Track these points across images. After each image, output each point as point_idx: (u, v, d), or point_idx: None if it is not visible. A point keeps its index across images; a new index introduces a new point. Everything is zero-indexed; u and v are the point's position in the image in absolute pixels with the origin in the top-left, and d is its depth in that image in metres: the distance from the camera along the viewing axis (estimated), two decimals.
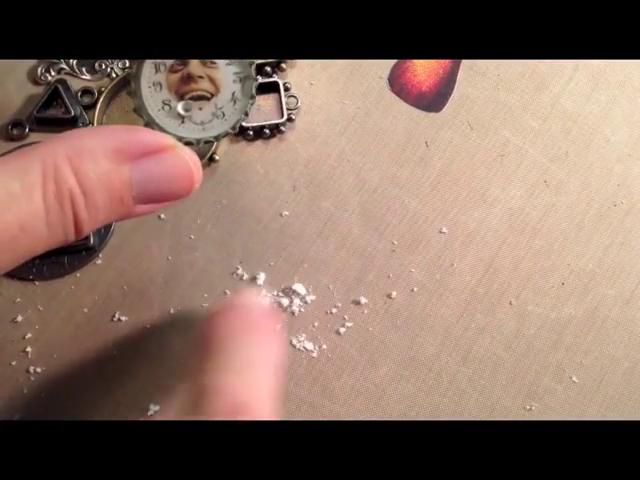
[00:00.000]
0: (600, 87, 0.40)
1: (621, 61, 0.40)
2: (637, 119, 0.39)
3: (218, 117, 0.24)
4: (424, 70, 0.40)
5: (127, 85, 0.23)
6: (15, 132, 0.37)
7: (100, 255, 0.36)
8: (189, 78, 0.23)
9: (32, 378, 0.34)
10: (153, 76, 0.23)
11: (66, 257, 0.36)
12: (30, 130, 0.37)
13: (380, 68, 0.40)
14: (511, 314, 0.36)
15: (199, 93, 0.23)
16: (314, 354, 0.35)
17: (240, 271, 0.36)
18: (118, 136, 0.21)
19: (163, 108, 0.23)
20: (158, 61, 0.23)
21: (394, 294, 0.36)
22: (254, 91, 0.23)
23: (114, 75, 0.38)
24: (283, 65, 0.39)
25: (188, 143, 0.22)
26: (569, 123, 0.39)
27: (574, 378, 0.36)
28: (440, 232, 0.37)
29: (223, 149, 0.38)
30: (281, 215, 0.37)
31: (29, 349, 0.35)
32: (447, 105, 0.39)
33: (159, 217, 0.37)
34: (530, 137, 0.39)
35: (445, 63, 0.40)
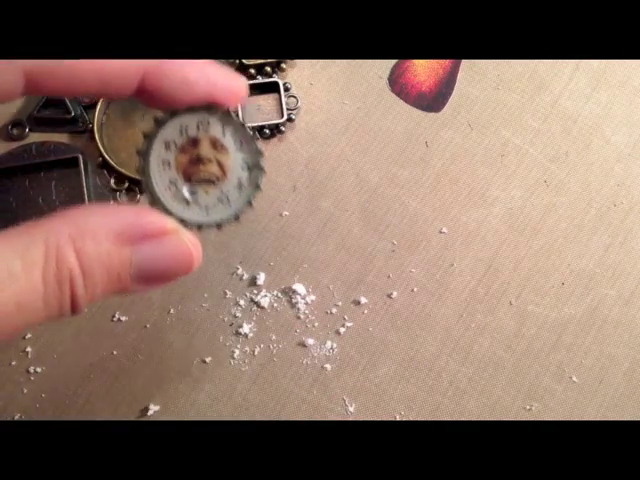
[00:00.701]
0: (600, 87, 0.40)
1: (621, 61, 0.40)
2: (637, 119, 0.39)
3: (223, 202, 0.24)
4: (424, 70, 0.40)
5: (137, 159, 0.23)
6: (15, 132, 0.37)
7: None
8: (198, 160, 0.23)
9: (32, 378, 0.34)
10: (163, 153, 0.23)
11: None
12: (30, 130, 0.37)
13: (380, 68, 0.40)
14: (511, 314, 0.36)
15: (206, 176, 0.23)
16: (314, 354, 0.35)
17: (240, 271, 0.36)
18: (122, 218, 0.21)
19: (169, 188, 0.23)
20: (169, 139, 0.23)
21: (394, 294, 0.36)
22: (260, 182, 0.24)
23: None
24: (283, 65, 0.39)
25: (191, 226, 0.23)
26: (569, 123, 0.39)
27: (574, 378, 0.36)
28: (440, 232, 0.37)
29: None
30: (281, 215, 0.37)
31: (29, 349, 0.35)
32: (447, 105, 0.39)
33: None
34: (530, 137, 0.39)
35: (445, 63, 0.40)
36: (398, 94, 0.40)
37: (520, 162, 0.39)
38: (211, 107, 0.23)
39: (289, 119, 0.38)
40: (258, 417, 0.34)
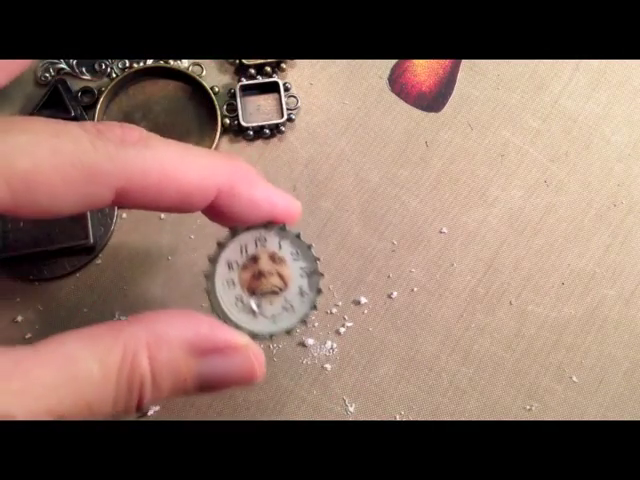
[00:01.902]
0: (600, 87, 0.40)
1: (621, 61, 0.40)
2: (637, 119, 0.39)
3: (287, 310, 0.25)
4: (424, 70, 0.40)
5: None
6: None
7: (100, 255, 0.36)
8: (260, 274, 0.25)
9: None
10: (226, 274, 0.25)
11: (66, 257, 0.36)
12: None
13: (380, 68, 0.40)
14: (511, 314, 0.36)
15: (269, 289, 0.25)
16: (314, 354, 0.35)
17: None
18: (198, 330, 0.22)
19: (236, 304, 0.25)
20: (231, 260, 0.25)
21: (394, 294, 0.36)
22: (320, 285, 0.26)
23: (114, 75, 0.38)
24: (283, 65, 0.39)
25: (262, 337, 0.25)
26: (569, 123, 0.39)
27: (574, 378, 0.36)
28: (440, 232, 0.37)
29: (223, 149, 0.38)
30: None
31: None
32: (447, 105, 0.39)
33: (159, 217, 0.37)
34: (530, 137, 0.39)
35: (445, 63, 0.40)
36: (398, 94, 0.40)
37: (520, 162, 0.39)
38: (267, 224, 0.25)
39: (289, 119, 0.38)
40: (258, 417, 0.34)
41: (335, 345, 0.35)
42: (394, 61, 0.40)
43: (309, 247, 0.26)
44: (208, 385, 0.23)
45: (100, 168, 0.21)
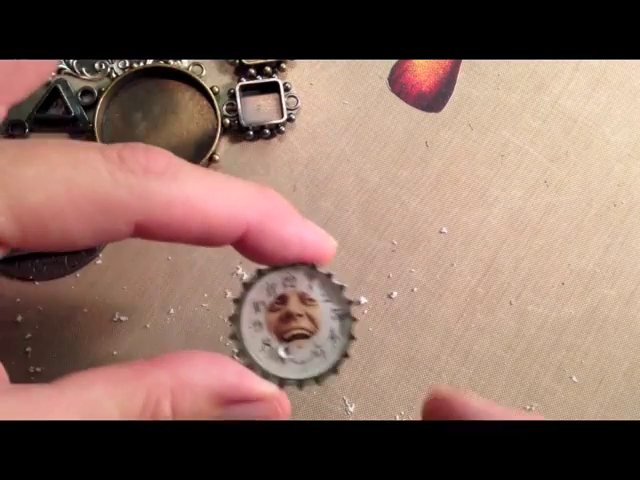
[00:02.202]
0: (600, 87, 0.40)
1: (621, 61, 0.40)
2: (637, 119, 0.39)
3: (318, 355, 0.24)
4: (424, 70, 0.40)
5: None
6: (15, 132, 0.37)
7: (100, 255, 0.36)
8: (288, 317, 0.24)
9: (32, 378, 0.34)
10: (253, 316, 0.23)
11: (66, 257, 0.36)
12: (30, 130, 0.37)
13: (380, 68, 0.40)
14: (511, 314, 0.36)
15: (299, 332, 0.24)
16: None
17: (240, 271, 0.36)
18: (225, 378, 0.21)
19: (263, 349, 0.23)
20: (258, 300, 0.24)
21: (394, 294, 0.36)
22: (354, 331, 0.24)
23: (114, 75, 0.38)
24: (283, 65, 0.39)
25: (290, 384, 0.23)
26: (569, 123, 0.39)
27: (574, 378, 0.36)
28: (440, 232, 0.37)
29: (223, 149, 0.38)
30: None
31: (29, 349, 0.35)
32: (447, 105, 0.39)
33: None
34: (530, 137, 0.39)
35: (445, 63, 0.40)
36: (398, 94, 0.40)
37: (520, 162, 0.39)
38: (296, 265, 0.23)
39: (289, 119, 0.38)
40: None
41: None
42: (394, 61, 0.40)
43: (341, 288, 0.24)
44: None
45: (118, 202, 0.19)
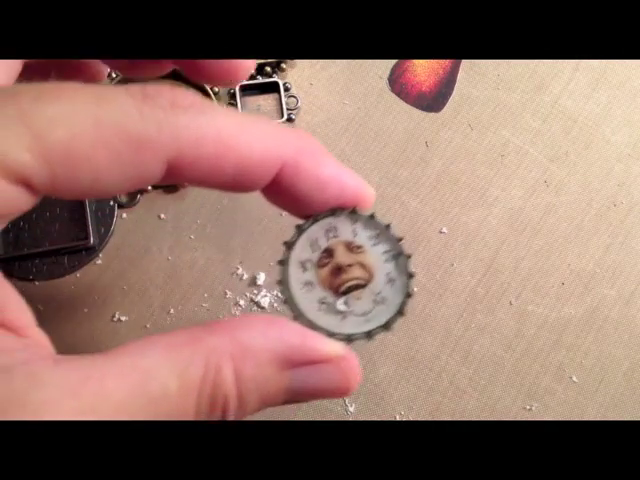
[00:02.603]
0: (600, 87, 0.40)
1: (621, 61, 0.40)
2: (637, 119, 0.39)
3: (379, 303, 0.22)
4: (424, 70, 0.40)
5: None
6: None
7: (100, 255, 0.36)
8: (339, 269, 0.22)
9: None
10: (302, 276, 0.22)
11: (66, 257, 0.36)
12: None
13: (380, 68, 0.40)
14: (511, 314, 0.36)
15: (353, 283, 0.22)
16: None
17: (240, 271, 0.36)
18: (289, 341, 0.20)
19: (320, 308, 0.22)
20: (303, 259, 0.22)
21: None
22: (411, 268, 0.22)
23: (114, 75, 0.38)
24: (283, 65, 0.39)
25: (358, 338, 0.22)
26: (569, 123, 0.39)
27: (574, 378, 0.36)
28: (440, 232, 0.37)
29: None
30: (281, 215, 0.37)
31: None
32: (447, 105, 0.39)
33: (159, 217, 0.37)
34: (530, 137, 0.39)
35: (445, 63, 0.40)
36: (398, 94, 0.40)
37: (520, 162, 0.39)
38: (334, 211, 0.22)
39: (289, 119, 0.38)
40: (258, 417, 0.34)
41: None
42: (394, 61, 0.40)
43: (387, 227, 0.22)
44: (296, 399, 0.21)
45: (148, 138, 0.18)
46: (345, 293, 0.22)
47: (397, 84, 0.40)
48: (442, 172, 0.38)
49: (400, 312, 0.22)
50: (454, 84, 0.40)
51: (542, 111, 0.39)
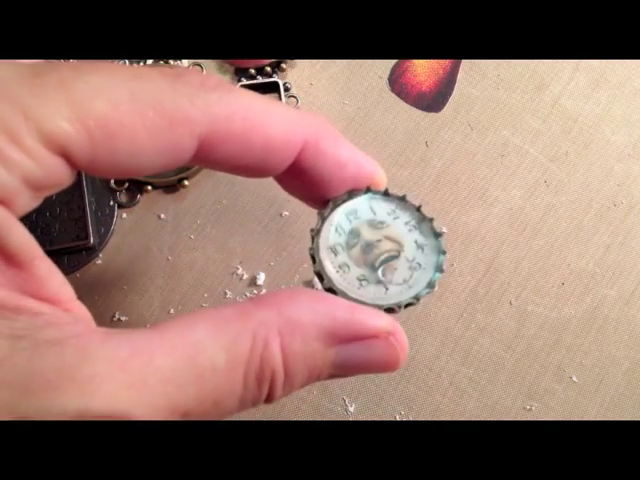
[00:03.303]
0: (600, 87, 0.40)
1: (621, 61, 0.40)
2: (637, 119, 0.39)
3: (416, 269, 0.23)
4: (424, 70, 0.40)
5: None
6: None
7: (100, 255, 0.36)
8: (369, 246, 0.23)
9: None
10: (335, 260, 0.23)
11: (66, 257, 0.36)
12: None
13: (380, 68, 0.40)
14: (511, 314, 0.36)
15: (386, 255, 0.23)
16: None
17: (240, 271, 0.36)
18: (336, 316, 0.20)
19: (362, 285, 0.22)
20: (332, 244, 0.23)
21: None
22: (436, 229, 0.23)
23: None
24: (283, 65, 0.39)
25: (408, 304, 0.22)
26: (569, 123, 0.39)
27: (574, 378, 0.36)
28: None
29: None
30: (281, 215, 0.37)
31: None
32: (447, 105, 0.39)
33: (159, 217, 0.37)
34: (530, 137, 0.39)
35: (445, 63, 0.40)
36: (398, 94, 0.40)
37: (520, 162, 0.39)
38: (350, 193, 0.23)
39: None
40: (258, 417, 0.34)
41: None
42: (394, 61, 0.40)
43: (403, 198, 0.24)
44: (343, 373, 0.21)
45: (183, 112, 0.19)
46: (380, 266, 0.23)
47: (397, 84, 0.40)
48: (442, 172, 0.38)
49: (439, 269, 0.23)
50: (454, 84, 0.40)
51: (542, 111, 0.39)
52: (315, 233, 0.23)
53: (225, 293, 0.36)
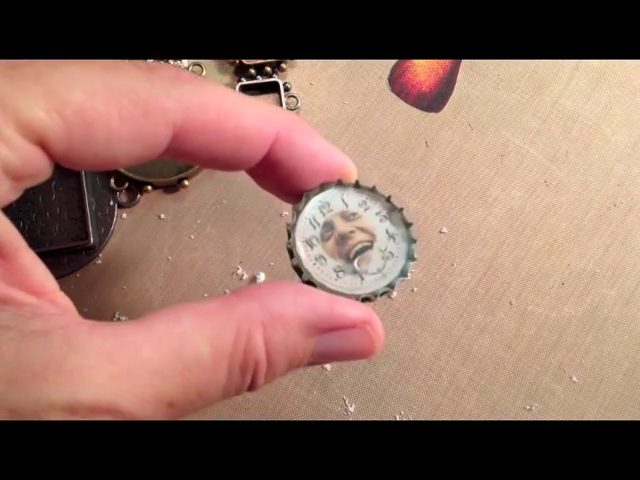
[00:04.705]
0: (600, 87, 0.40)
1: (621, 61, 0.40)
2: (637, 119, 0.39)
3: (389, 258, 0.24)
4: (424, 70, 0.40)
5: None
6: None
7: (100, 255, 0.36)
8: (343, 238, 0.24)
9: None
10: (311, 252, 0.23)
11: (66, 257, 0.36)
12: None
13: (380, 68, 0.40)
14: (511, 314, 0.36)
15: (360, 245, 0.24)
16: None
17: (240, 271, 0.36)
18: (317, 308, 0.20)
19: (338, 276, 0.23)
20: (307, 237, 0.24)
21: (394, 294, 0.36)
22: (406, 219, 0.24)
23: None
24: (283, 65, 0.39)
25: (383, 292, 0.23)
26: (569, 123, 0.39)
27: (574, 378, 0.36)
28: (440, 232, 0.37)
29: None
30: (281, 215, 0.37)
31: None
32: (447, 105, 0.39)
33: (159, 217, 0.37)
34: (530, 137, 0.39)
35: (445, 63, 0.40)
36: (398, 94, 0.40)
37: (520, 162, 0.39)
38: (323, 186, 0.24)
39: None
40: (258, 417, 0.34)
41: None
42: (394, 61, 0.40)
43: (372, 189, 0.24)
44: (321, 360, 0.22)
45: (157, 101, 0.19)
46: (355, 257, 0.24)
47: (397, 84, 0.40)
48: (442, 172, 0.38)
49: (410, 258, 0.24)
50: (454, 84, 0.40)
51: (542, 111, 0.39)
52: (291, 227, 0.24)
53: (225, 293, 0.36)
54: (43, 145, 0.18)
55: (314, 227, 0.24)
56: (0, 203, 0.18)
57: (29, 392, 0.16)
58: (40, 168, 0.19)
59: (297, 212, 0.24)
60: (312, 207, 0.24)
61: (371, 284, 0.23)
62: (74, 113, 0.18)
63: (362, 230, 0.24)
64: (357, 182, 0.24)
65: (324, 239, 0.24)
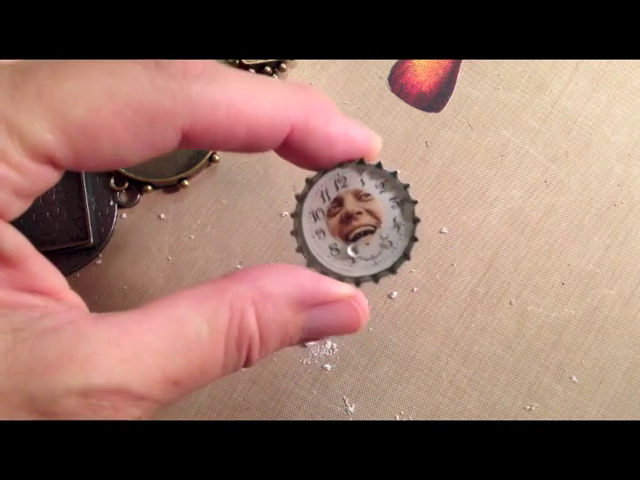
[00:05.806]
0: (600, 87, 0.40)
1: (621, 61, 0.40)
2: (637, 119, 0.39)
3: (387, 247, 0.24)
4: (424, 70, 0.40)
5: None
6: None
7: (100, 255, 0.36)
8: (348, 217, 0.24)
9: None
10: (314, 225, 0.24)
11: (66, 257, 0.36)
12: None
13: (380, 68, 0.40)
14: (511, 314, 0.36)
15: (363, 229, 0.24)
16: (314, 354, 0.35)
17: None
18: (303, 285, 0.22)
19: (332, 254, 0.24)
20: (314, 209, 0.24)
21: (394, 294, 0.36)
22: (416, 213, 0.24)
23: None
24: (283, 65, 0.39)
25: (366, 280, 0.24)
26: (569, 123, 0.39)
27: (574, 378, 0.36)
28: (440, 232, 0.37)
29: None
30: (281, 215, 0.37)
31: None
32: (447, 105, 0.39)
33: (159, 217, 0.37)
34: (530, 137, 0.39)
35: (445, 63, 0.40)
36: (398, 94, 0.40)
37: (520, 162, 0.39)
38: (342, 164, 0.23)
39: None
40: (258, 417, 0.34)
41: (335, 345, 0.35)
42: (394, 61, 0.40)
43: (394, 174, 0.24)
44: (311, 337, 0.23)
45: (162, 109, 0.19)
46: (354, 240, 0.24)
47: (397, 84, 0.40)
48: (442, 172, 0.38)
49: (405, 256, 0.24)
50: (454, 84, 0.40)
51: (542, 111, 0.39)
52: (300, 198, 0.24)
53: None
54: (51, 162, 0.19)
55: (324, 200, 0.24)
56: (11, 217, 0.20)
57: (46, 381, 0.17)
58: (49, 180, 0.20)
59: (310, 184, 0.24)
60: (327, 180, 0.24)
61: (360, 269, 0.24)
62: (79, 129, 0.18)
63: (370, 213, 0.24)
64: (379, 163, 0.24)
65: (330, 215, 0.24)
